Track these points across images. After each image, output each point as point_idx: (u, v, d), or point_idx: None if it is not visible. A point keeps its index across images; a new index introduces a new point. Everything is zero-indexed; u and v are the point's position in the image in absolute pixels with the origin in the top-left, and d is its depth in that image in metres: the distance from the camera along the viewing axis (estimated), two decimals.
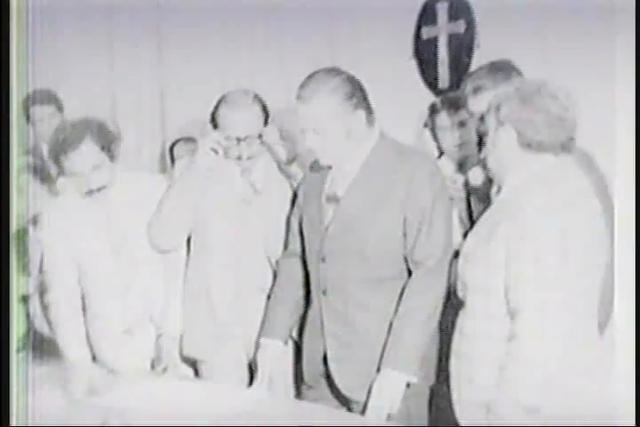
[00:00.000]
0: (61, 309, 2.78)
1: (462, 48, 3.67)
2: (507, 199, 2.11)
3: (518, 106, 2.06)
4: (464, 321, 2.17)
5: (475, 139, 2.67)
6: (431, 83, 3.78)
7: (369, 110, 2.43)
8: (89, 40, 4.73)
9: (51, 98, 4.18)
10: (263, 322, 2.68)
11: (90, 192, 2.71)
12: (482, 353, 2.09)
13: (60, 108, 4.20)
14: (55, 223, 2.82)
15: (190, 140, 3.66)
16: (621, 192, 1.90)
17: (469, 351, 2.13)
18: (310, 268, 2.56)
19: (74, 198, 2.79)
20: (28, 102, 4.13)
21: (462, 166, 3.01)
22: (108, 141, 2.70)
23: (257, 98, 2.75)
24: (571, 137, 2.09)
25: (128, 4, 4.64)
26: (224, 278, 2.80)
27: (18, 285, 2.82)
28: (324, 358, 2.52)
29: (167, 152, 3.93)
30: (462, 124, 3.00)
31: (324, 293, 2.50)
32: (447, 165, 3.02)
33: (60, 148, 2.64)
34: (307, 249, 2.58)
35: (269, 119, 2.77)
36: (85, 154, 2.64)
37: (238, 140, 2.69)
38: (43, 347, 3.23)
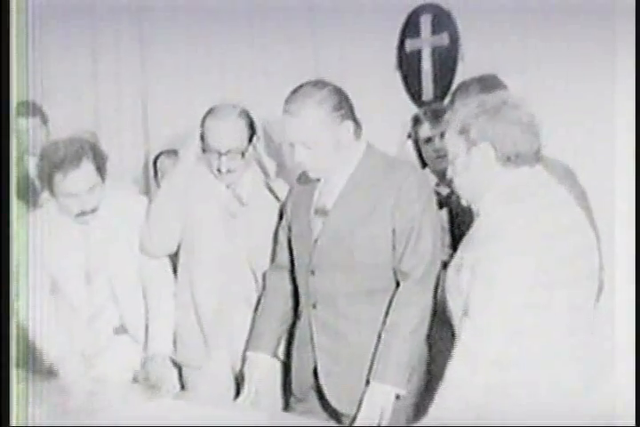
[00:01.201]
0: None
1: (446, 61, 3.68)
2: (484, 222, 2.09)
3: (490, 122, 2.04)
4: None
5: None
6: (415, 95, 3.79)
7: (356, 122, 2.44)
8: (73, 51, 4.72)
9: (35, 110, 4.17)
10: (250, 335, 2.67)
11: (82, 213, 2.67)
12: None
13: (44, 121, 4.22)
14: (31, 237, 2.76)
15: (173, 152, 3.65)
16: (621, 192, 1.91)
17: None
18: (299, 281, 2.56)
19: (54, 214, 2.75)
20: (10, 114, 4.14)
21: (444, 178, 3.02)
22: (101, 162, 2.67)
23: (244, 113, 2.75)
24: (540, 144, 2.10)
25: (111, 12, 4.66)
26: (210, 291, 2.80)
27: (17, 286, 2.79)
28: (314, 371, 2.52)
29: (151, 165, 3.91)
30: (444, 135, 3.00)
31: (314, 306, 2.49)
32: (429, 177, 3.04)
33: (56, 168, 2.57)
34: (295, 262, 2.57)
35: (255, 136, 2.77)
36: (83, 176, 2.60)
37: (219, 153, 2.69)
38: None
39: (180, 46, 4.42)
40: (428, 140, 3.13)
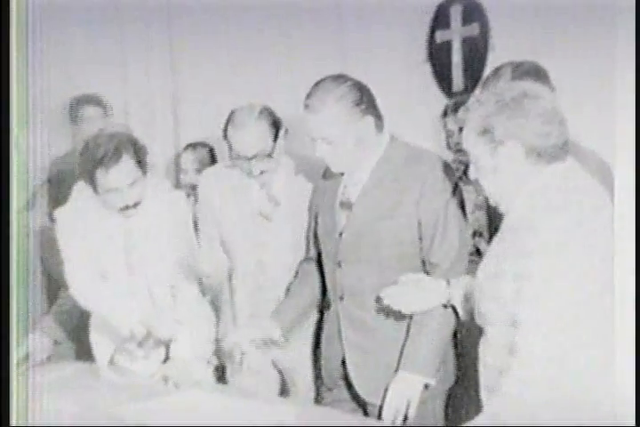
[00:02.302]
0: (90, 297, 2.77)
1: (477, 51, 3.65)
2: (517, 226, 1.99)
3: (514, 117, 1.94)
4: (485, 349, 2.11)
5: None
6: (445, 86, 3.76)
7: (378, 116, 2.42)
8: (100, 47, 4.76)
9: (99, 101, 4.29)
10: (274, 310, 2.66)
11: (125, 208, 2.68)
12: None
13: (106, 112, 4.32)
14: (72, 227, 2.79)
15: (200, 145, 3.66)
16: (622, 192, 1.86)
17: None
18: (327, 273, 2.56)
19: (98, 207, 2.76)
20: (75, 103, 4.28)
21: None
22: (142, 155, 2.67)
23: (265, 112, 2.75)
24: (567, 135, 2.00)
25: (139, 11, 4.68)
26: (247, 293, 2.86)
27: (18, 283, 2.79)
28: (343, 362, 2.52)
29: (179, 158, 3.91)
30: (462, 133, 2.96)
31: (341, 298, 2.49)
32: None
33: (99, 163, 2.58)
34: (323, 255, 2.57)
35: (281, 132, 2.77)
36: (124, 170, 2.61)
37: (247, 158, 2.71)
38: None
39: (208, 44, 4.43)
40: (452, 133, 3.10)
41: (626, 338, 1.84)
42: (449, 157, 3.17)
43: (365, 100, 2.38)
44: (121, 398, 2.51)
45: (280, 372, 2.91)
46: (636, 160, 1.86)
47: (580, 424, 1.88)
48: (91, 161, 2.59)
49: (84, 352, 3.01)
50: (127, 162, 2.61)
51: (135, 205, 2.68)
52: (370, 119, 2.38)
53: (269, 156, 2.71)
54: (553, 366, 1.90)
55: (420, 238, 2.40)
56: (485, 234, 3.01)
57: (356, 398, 2.52)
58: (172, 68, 4.69)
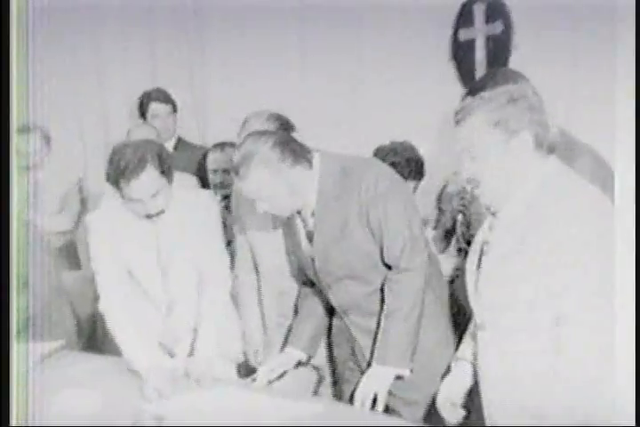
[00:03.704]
0: (116, 318, 2.75)
1: (500, 49, 3.66)
2: (521, 212, 2.02)
3: (525, 110, 2.00)
4: (488, 343, 2.13)
5: None
6: (468, 84, 3.76)
7: (302, 155, 2.41)
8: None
9: (168, 98, 4.40)
10: (288, 334, 2.74)
11: (148, 216, 2.68)
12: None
13: (175, 109, 4.43)
14: (102, 229, 2.79)
15: (228, 145, 3.68)
16: (622, 193, 1.87)
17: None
18: (325, 295, 2.62)
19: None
20: (144, 99, 4.40)
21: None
22: (167, 165, 2.64)
23: (270, 118, 2.80)
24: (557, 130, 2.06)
25: (169, 13, 4.77)
26: (273, 296, 2.93)
27: (18, 279, 2.82)
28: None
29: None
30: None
31: (345, 313, 2.57)
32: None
33: (121, 174, 2.56)
34: (314, 281, 2.63)
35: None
36: (146, 182, 2.57)
37: None
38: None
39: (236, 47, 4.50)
40: None
41: (626, 338, 1.84)
42: None
43: (288, 151, 2.38)
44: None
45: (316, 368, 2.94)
46: (636, 161, 1.86)
47: (579, 424, 1.91)
48: (115, 170, 2.58)
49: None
50: (150, 173, 2.57)
51: (158, 213, 2.67)
52: (297, 169, 2.39)
53: None
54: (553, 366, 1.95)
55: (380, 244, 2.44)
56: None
57: None
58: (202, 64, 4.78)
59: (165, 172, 2.62)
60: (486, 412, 2.12)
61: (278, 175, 2.36)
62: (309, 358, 2.68)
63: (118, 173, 2.56)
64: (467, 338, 2.28)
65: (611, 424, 1.88)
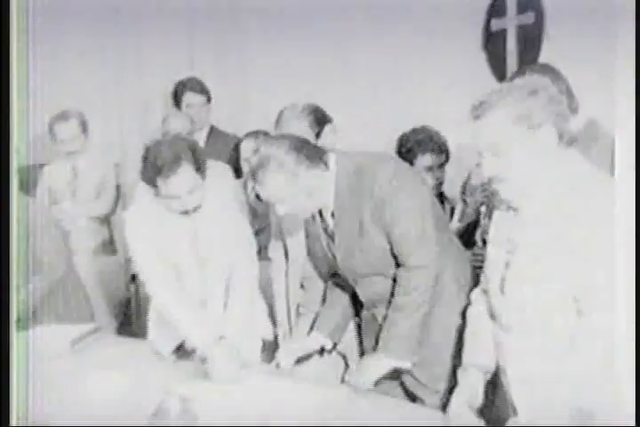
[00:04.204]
0: (175, 311, 2.76)
1: (531, 39, 3.66)
2: (547, 209, 1.99)
3: (547, 102, 1.96)
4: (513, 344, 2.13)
5: None
6: (499, 74, 3.77)
7: (318, 157, 2.42)
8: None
9: (202, 87, 4.44)
10: (316, 321, 2.77)
11: (185, 212, 2.72)
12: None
13: (209, 99, 4.46)
14: (140, 225, 2.80)
15: (261, 133, 3.70)
16: (622, 193, 1.87)
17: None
18: (355, 289, 2.67)
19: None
20: (179, 88, 4.45)
21: None
22: (201, 162, 2.67)
23: (305, 111, 2.83)
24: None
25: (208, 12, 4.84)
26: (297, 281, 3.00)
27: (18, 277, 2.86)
28: None
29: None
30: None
31: (374, 305, 2.61)
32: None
33: (158, 172, 2.59)
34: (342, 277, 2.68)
35: (325, 129, 2.83)
36: (183, 179, 2.61)
37: None
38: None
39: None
40: None
41: (626, 338, 1.84)
42: None
43: (303, 154, 2.38)
44: (178, 376, 2.61)
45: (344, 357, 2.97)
46: (636, 162, 1.86)
47: (579, 424, 1.92)
48: (151, 168, 2.61)
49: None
50: (186, 170, 2.61)
51: (194, 209, 2.72)
52: (314, 171, 2.40)
53: None
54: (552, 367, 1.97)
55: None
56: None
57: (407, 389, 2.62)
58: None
59: (200, 168, 2.65)
60: (520, 414, 2.09)
61: (295, 179, 2.37)
62: (334, 344, 2.73)
63: (154, 171, 2.59)
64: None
65: (611, 424, 1.88)
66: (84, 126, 4.17)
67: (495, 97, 1.99)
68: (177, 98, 4.50)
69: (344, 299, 2.74)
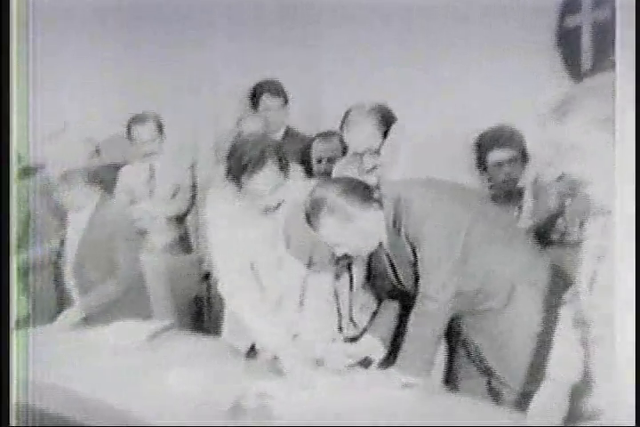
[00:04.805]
0: (248, 314, 2.79)
1: (607, 36, 3.59)
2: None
3: (595, 99, 1.88)
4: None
5: None
6: (574, 71, 3.73)
7: (370, 197, 2.43)
8: None
9: (280, 91, 4.49)
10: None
11: (266, 211, 2.77)
12: None
13: (286, 102, 4.50)
14: (222, 223, 2.86)
15: (331, 134, 3.72)
16: (622, 193, 1.82)
17: None
18: None
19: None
20: (257, 90, 4.51)
21: None
22: (285, 162, 2.71)
23: (373, 111, 2.84)
24: None
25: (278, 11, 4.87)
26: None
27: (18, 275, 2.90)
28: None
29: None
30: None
31: (457, 316, 2.57)
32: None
33: (243, 169, 2.64)
34: None
35: (392, 129, 2.84)
36: (267, 177, 2.66)
37: (358, 154, 2.81)
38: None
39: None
40: None
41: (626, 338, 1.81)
42: None
43: (355, 195, 2.40)
44: (253, 373, 2.64)
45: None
46: (636, 163, 1.81)
47: (579, 424, 1.90)
48: (236, 166, 2.66)
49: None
50: (271, 169, 2.66)
51: (276, 207, 2.76)
52: (368, 212, 2.42)
53: (377, 152, 2.79)
54: None
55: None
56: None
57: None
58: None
59: (283, 168, 2.70)
60: None
61: (348, 222, 2.38)
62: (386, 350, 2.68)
63: (240, 168, 2.65)
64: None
65: (611, 424, 1.86)
66: (160, 128, 4.26)
67: (579, 97, 1.92)
68: (254, 99, 4.55)
69: (396, 308, 2.71)
